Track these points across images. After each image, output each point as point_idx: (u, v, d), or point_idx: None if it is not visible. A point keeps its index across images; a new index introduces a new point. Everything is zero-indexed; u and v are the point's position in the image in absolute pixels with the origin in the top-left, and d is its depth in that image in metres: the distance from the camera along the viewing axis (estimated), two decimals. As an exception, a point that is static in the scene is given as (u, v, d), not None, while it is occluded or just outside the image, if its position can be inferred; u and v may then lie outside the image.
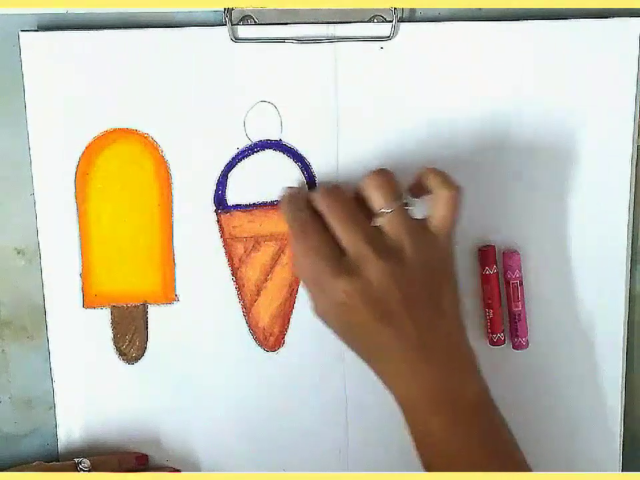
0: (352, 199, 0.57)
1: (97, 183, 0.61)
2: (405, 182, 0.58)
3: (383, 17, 0.60)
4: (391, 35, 0.60)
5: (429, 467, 0.55)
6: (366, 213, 0.56)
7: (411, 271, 0.54)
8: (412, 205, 0.57)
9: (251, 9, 0.60)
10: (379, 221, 0.56)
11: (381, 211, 0.55)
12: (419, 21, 0.61)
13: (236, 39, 0.60)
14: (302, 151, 0.62)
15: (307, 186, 0.62)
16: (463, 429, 0.53)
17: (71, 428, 0.64)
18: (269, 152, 0.62)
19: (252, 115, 0.61)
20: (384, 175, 0.56)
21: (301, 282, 0.62)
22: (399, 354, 0.54)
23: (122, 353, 0.63)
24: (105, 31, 0.59)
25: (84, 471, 0.60)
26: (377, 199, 0.56)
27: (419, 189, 0.58)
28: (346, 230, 0.55)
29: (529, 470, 0.56)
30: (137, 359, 0.63)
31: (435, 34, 0.61)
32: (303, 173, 0.62)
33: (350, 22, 0.60)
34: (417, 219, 0.56)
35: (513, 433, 0.57)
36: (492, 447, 0.54)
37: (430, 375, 0.54)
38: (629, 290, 0.66)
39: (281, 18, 0.60)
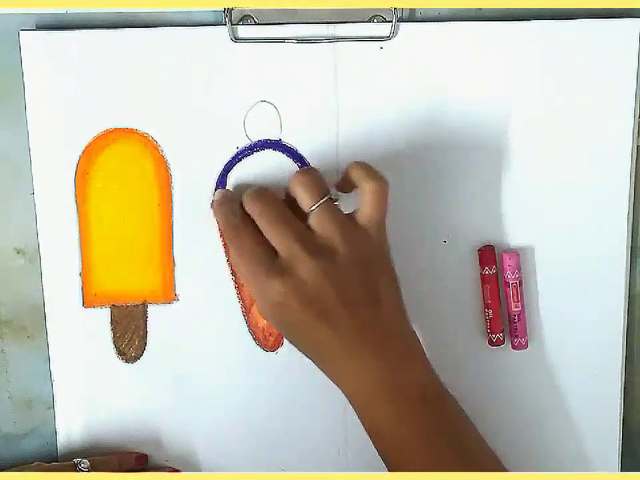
0: (281, 201, 0.57)
1: (96, 182, 0.61)
2: (407, 186, 0.58)
3: (382, 17, 0.60)
4: (391, 34, 0.60)
5: (385, 459, 0.55)
6: (298, 213, 0.57)
7: (343, 266, 0.55)
8: (337, 200, 0.57)
9: (251, 9, 0.60)
10: (309, 219, 0.56)
11: (310, 209, 0.56)
12: (418, 21, 0.61)
13: (236, 39, 0.60)
14: (302, 151, 0.62)
15: (239, 189, 0.61)
16: (410, 418, 0.54)
17: (70, 428, 0.64)
18: (268, 152, 0.62)
19: (252, 115, 0.61)
20: (308, 174, 0.57)
21: (243, 284, 0.62)
22: (339, 350, 0.54)
23: (121, 353, 0.63)
24: (105, 30, 0.59)
25: (83, 471, 0.60)
26: (303, 198, 0.56)
27: (347, 184, 0.58)
28: (276, 231, 0.55)
29: (489, 455, 0.56)
30: (136, 358, 0.63)
31: (435, 34, 0.61)
32: (303, 173, 0.62)
33: (350, 22, 0.60)
34: (346, 213, 0.57)
35: (512, 432, 0.57)
36: (444, 436, 0.54)
37: (372, 367, 0.54)
38: (629, 289, 0.66)
39: (281, 18, 0.60)
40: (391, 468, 0.55)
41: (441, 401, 0.56)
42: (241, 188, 0.61)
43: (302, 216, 0.57)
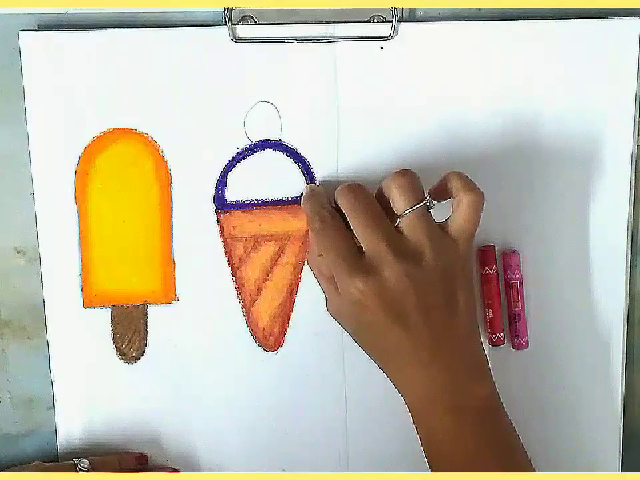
0: (373, 198, 0.57)
1: (97, 182, 0.61)
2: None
3: (382, 16, 0.60)
4: (391, 34, 0.60)
5: (435, 466, 0.55)
6: (388, 213, 0.56)
7: (428, 274, 0.54)
8: (432, 207, 0.56)
9: (251, 8, 0.60)
10: (399, 222, 0.56)
11: (403, 212, 0.55)
12: (418, 21, 0.61)
13: (236, 39, 0.60)
14: (302, 150, 0.62)
15: (329, 185, 0.61)
16: (470, 431, 0.54)
17: (70, 428, 0.64)
18: (268, 152, 0.62)
19: (252, 114, 0.61)
20: (407, 176, 0.56)
21: (317, 279, 0.62)
22: (410, 355, 0.54)
23: (122, 353, 0.63)
24: (105, 30, 0.59)
25: (83, 471, 0.60)
26: (398, 200, 0.55)
27: (441, 192, 0.57)
28: (366, 229, 0.55)
29: (531, 468, 0.56)
30: (136, 358, 0.63)
31: (434, 34, 0.61)
32: (303, 173, 0.62)
33: (350, 22, 0.60)
34: (437, 222, 0.56)
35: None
36: (498, 451, 0.54)
37: (438, 377, 0.54)
38: (629, 289, 0.66)
39: (281, 18, 0.60)
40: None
41: (498, 416, 0.56)
42: (330, 184, 0.61)
43: (391, 217, 0.56)
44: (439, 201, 0.58)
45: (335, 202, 0.58)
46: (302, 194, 0.61)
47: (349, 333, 0.57)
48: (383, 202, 0.57)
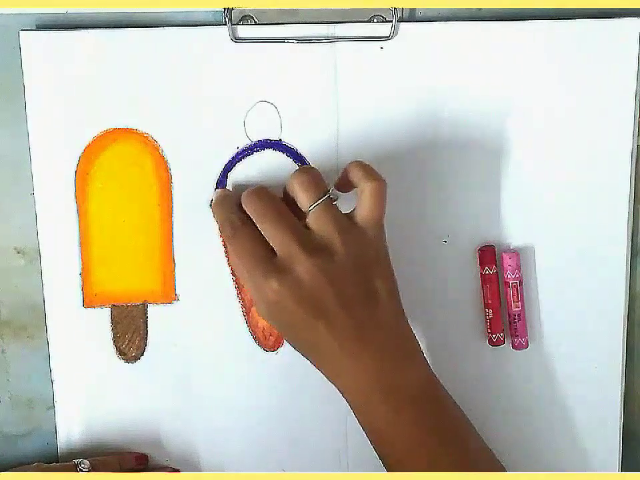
0: (279, 200, 0.57)
1: (97, 182, 0.61)
2: (407, 186, 0.58)
3: (382, 16, 0.60)
4: (391, 34, 0.60)
5: (383, 458, 0.56)
6: (296, 213, 0.57)
7: (341, 265, 0.55)
8: (336, 199, 0.57)
9: (251, 9, 0.60)
10: (307, 219, 0.56)
11: (308, 208, 0.56)
12: (418, 21, 0.61)
13: (236, 39, 0.60)
14: (302, 151, 0.62)
15: (238, 189, 0.61)
16: (406, 418, 0.54)
17: (70, 428, 0.64)
18: (268, 152, 0.62)
19: (252, 115, 0.61)
20: (308, 173, 0.56)
21: (242, 284, 0.62)
22: (336, 349, 0.54)
23: (122, 353, 0.63)
24: (105, 30, 0.59)
25: (83, 471, 0.60)
26: (302, 197, 0.56)
27: (345, 184, 0.58)
28: (274, 230, 0.55)
29: (487, 455, 0.56)
30: (136, 358, 0.63)
31: (434, 34, 0.61)
32: (303, 173, 0.62)
33: (350, 22, 0.60)
34: (344, 213, 0.57)
35: (513, 432, 0.57)
36: (440, 435, 0.54)
37: (369, 367, 0.54)
38: (629, 289, 0.66)
39: (281, 18, 0.60)
40: (389, 467, 0.56)
41: (438, 401, 0.56)
42: (240, 188, 0.61)
43: (300, 215, 0.57)
44: (344, 192, 0.58)
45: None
46: (212, 199, 0.61)
47: (281, 334, 0.58)
48: (289, 202, 0.57)
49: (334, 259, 0.55)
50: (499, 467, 0.56)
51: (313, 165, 0.60)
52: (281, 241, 0.55)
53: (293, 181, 0.56)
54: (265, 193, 0.57)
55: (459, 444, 0.55)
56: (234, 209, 0.58)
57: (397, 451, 0.55)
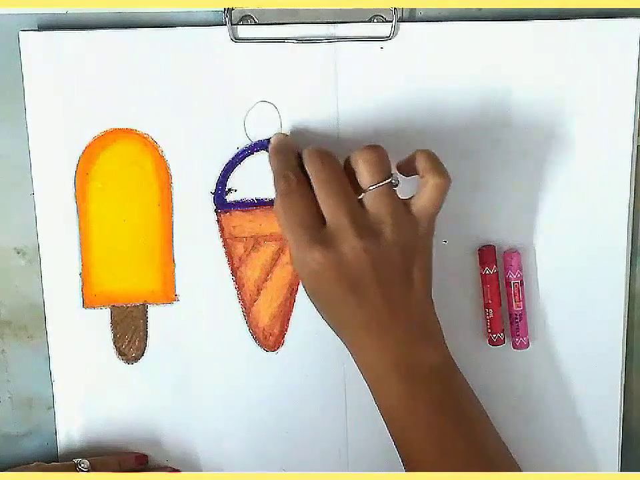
0: (341, 169, 0.57)
1: (97, 182, 0.61)
2: (407, 186, 0.58)
3: (382, 16, 0.60)
4: (391, 34, 0.60)
5: (395, 437, 0.56)
6: (353, 185, 0.56)
7: (386, 250, 0.55)
8: (397, 185, 0.57)
9: (251, 9, 0.60)
10: (363, 197, 0.56)
11: (368, 187, 0.55)
12: (418, 21, 0.61)
13: (236, 39, 0.60)
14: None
15: (298, 135, 0.61)
16: (421, 397, 0.54)
17: (70, 428, 0.64)
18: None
19: (252, 114, 0.61)
20: (376, 151, 0.56)
21: (282, 230, 0.60)
22: (364, 324, 0.55)
23: (122, 353, 0.63)
24: (105, 30, 0.59)
25: (83, 471, 0.60)
26: (365, 175, 0.56)
27: (408, 169, 0.58)
28: (330, 200, 0.55)
29: (496, 436, 0.56)
30: (136, 358, 0.63)
31: (434, 34, 0.61)
32: (303, 173, 0.62)
33: (350, 22, 0.60)
34: (401, 199, 0.56)
35: (513, 432, 0.57)
36: (453, 414, 0.55)
37: (391, 345, 0.55)
38: (629, 289, 0.66)
39: (281, 18, 0.60)
40: (400, 448, 0.56)
41: (454, 383, 0.56)
42: (299, 135, 0.61)
43: (356, 190, 0.56)
44: (406, 176, 0.58)
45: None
46: (269, 141, 0.61)
47: (308, 296, 0.57)
48: (349, 174, 0.57)
49: (380, 242, 0.54)
50: (509, 455, 0.56)
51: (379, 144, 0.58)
52: (334, 212, 0.55)
53: (359, 156, 0.56)
54: (329, 157, 0.56)
55: (471, 427, 0.55)
56: (292, 162, 0.57)
57: (408, 429, 0.55)
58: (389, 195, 0.55)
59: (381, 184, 0.55)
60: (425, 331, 0.56)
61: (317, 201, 0.55)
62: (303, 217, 0.55)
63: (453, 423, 0.54)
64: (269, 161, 0.60)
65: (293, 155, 0.58)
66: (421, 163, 0.56)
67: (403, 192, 0.57)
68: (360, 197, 0.56)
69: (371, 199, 0.55)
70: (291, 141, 0.60)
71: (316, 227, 0.55)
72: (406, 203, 0.56)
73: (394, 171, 0.57)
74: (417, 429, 0.54)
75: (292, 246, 0.56)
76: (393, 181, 0.56)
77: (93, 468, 0.61)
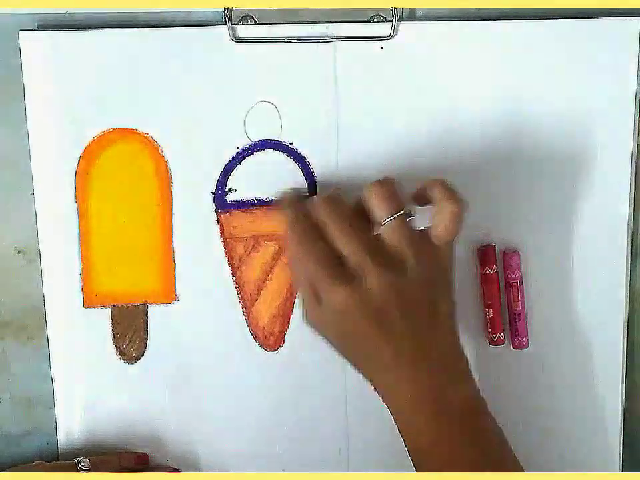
0: (351, 208, 0.57)
1: (97, 182, 0.61)
2: (407, 186, 0.58)
3: (383, 16, 0.60)
4: (391, 34, 0.60)
5: (418, 467, 0.55)
6: (367, 222, 0.56)
7: (411, 281, 0.54)
8: (414, 215, 0.56)
9: (251, 8, 0.60)
10: (380, 230, 0.56)
11: (384, 221, 0.55)
12: (419, 21, 0.61)
13: (236, 39, 0.60)
14: (302, 150, 0.62)
15: (307, 189, 0.61)
16: (451, 432, 0.54)
17: (70, 428, 0.64)
18: (268, 152, 0.62)
19: (252, 114, 0.61)
20: (386, 185, 0.56)
21: (296, 288, 0.61)
22: (392, 362, 0.54)
23: (122, 353, 0.63)
24: (105, 30, 0.59)
25: (84, 470, 0.60)
26: (378, 210, 0.55)
27: (422, 198, 0.57)
28: (346, 239, 0.55)
29: (520, 469, 0.56)
30: (137, 358, 0.63)
31: (435, 34, 0.61)
32: (303, 173, 0.62)
33: (350, 22, 0.60)
34: (418, 229, 0.56)
35: (513, 432, 0.56)
36: (481, 451, 0.54)
37: (421, 381, 0.54)
38: (629, 289, 0.66)
39: (281, 18, 0.60)
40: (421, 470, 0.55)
41: (481, 418, 0.55)
42: (308, 188, 0.62)
43: (368, 225, 0.56)
44: (419, 206, 0.57)
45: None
46: (279, 197, 0.61)
47: (329, 341, 0.57)
48: (362, 212, 0.56)
49: (405, 274, 0.54)
50: None
51: (389, 176, 0.57)
52: (352, 250, 0.54)
53: (371, 191, 0.56)
54: (339, 199, 0.56)
55: (496, 460, 0.54)
56: (303, 212, 0.57)
57: (435, 463, 0.54)
58: (405, 226, 0.55)
59: (395, 216, 0.55)
60: (453, 365, 0.55)
61: (332, 246, 0.55)
62: (320, 256, 0.54)
63: (481, 456, 0.54)
64: (281, 216, 0.59)
65: (303, 205, 0.58)
66: (435, 192, 0.56)
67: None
68: (377, 233, 0.56)
69: (388, 232, 0.55)
70: (299, 194, 0.60)
71: (336, 266, 0.54)
72: (423, 233, 0.56)
73: (407, 205, 0.56)
74: (446, 464, 0.53)
75: (307, 297, 0.55)
76: (407, 212, 0.56)
77: (93, 467, 0.61)
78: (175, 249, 0.62)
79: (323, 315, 0.55)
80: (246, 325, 0.64)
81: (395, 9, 0.60)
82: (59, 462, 0.63)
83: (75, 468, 0.61)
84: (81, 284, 0.62)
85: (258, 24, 0.60)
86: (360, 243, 0.54)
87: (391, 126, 0.62)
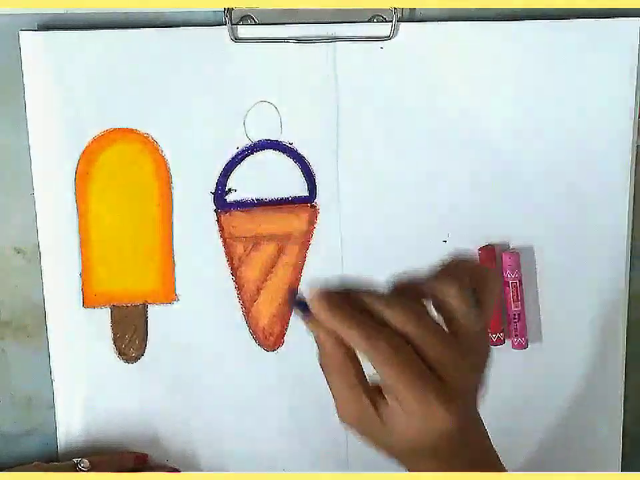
0: (425, 310, 0.48)
1: (97, 182, 0.61)
2: (407, 186, 0.57)
3: (382, 16, 0.60)
4: (391, 34, 0.60)
5: None
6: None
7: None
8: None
9: (251, 8, 0.60)
10: (455, 328, 0.48)
11: (463, 322, 0.47)
12: (418, 21, 0.61)
13: (236, 39, 0.60)
14: (302, 151, 0.62)
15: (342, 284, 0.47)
16: None
17: (70, 427, 0.64)
18: (268, 152, 0.62)
19: (252, 114, 0.61)
20: (465, 286, 0.47)
21: (338, 389, 0.50)
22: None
23: (122, 353, 0.63)
24: (105, 30, 0.59)
25: (83, 470, 0.60)
26: (460, 309, 0.47)
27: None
28: (444, 348, 0.46)
29: None
30: (136, 358, 0.63)
31: (434, 34, 0.61)
32: (303, 173, 0.62)
33: (350, 22, 0.60)
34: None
35: (512, 432, 0.56)
36: None
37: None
38: (629, 289, 0.66)
39: (281, 18, 0.60)
40: None
41: None
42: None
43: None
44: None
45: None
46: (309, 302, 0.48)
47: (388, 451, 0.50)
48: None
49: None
50: None
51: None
52: (453, 365, 0.46)
53: (453, 294, 0.47)
54: (420, 307, 0.47)
55: None
56: (362, 314, 0.46)
57: None
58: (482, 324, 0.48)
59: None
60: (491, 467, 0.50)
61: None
62: (422, 370, 0.45)
63: None
64: (325, 323, 0.48)
65: (355, 307, 0.47)
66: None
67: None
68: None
69: (465, 332, 0.47)
70: (340, 294, 0.47)
71: (435, 379, 0.46)
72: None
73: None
74: None
75: (409, 401, 0.46)
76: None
77: (92, 467, 0.61)
78: (174, 249, 0.62)
79: (426, 433, 0.47)
80: (246, 325, 0.64)
81: (394, 9, 0.60)
82: (57, 463, 0.63)
83: (74, 468, 0.61)
84: (81, 284, 0.62)
85: (258, 24, 0.60)
86: (459, 354, 0.46)
87: (391, 126, 0.62)
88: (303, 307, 0.48)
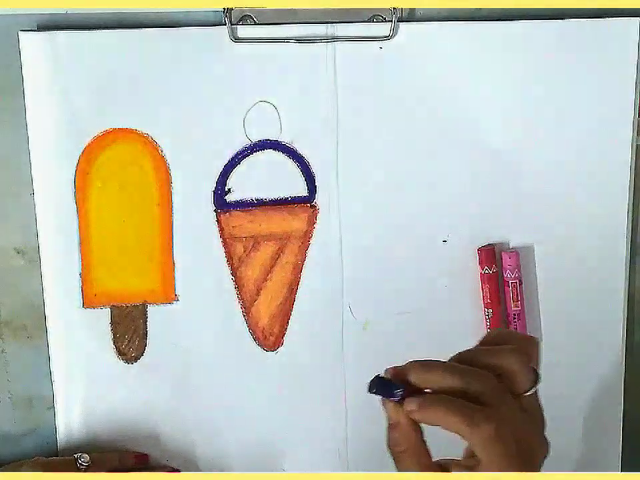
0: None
1: (97, 182, 0.61)
2: (407, 186, 0.57)
3: (382, 16, 0.60)
4: (391, 34, 0.60)
5: None
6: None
7: None
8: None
9: (251, 8, 0.60)
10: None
11: (529, 389, 0.50)
12: (418, 21, 0.61)
13: (236, 39, 0.60)
14: (302, 151, 0.62)
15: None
16: None
17: (70, 427, 0.64)
18: (268, 152, 0.62)
19: (252, 114, 0.61)
20: (529, 355, 0.50)
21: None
22: None
23: (121, 353, 0.63)
24: (105, 31, 0.59)
25: (83, 466, 0.60)
26: (525, 379, 0.50)
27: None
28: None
29: None
30: (136, 358, 0.63)
31: (434, 34, 0.61)
32: (303, 173, 0.62)
33: (350, 22, 0.60)
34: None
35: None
36: None
37: None
38: (629, 289, 0.66)
39: (281, 18, 0.60)
40: None
41: None
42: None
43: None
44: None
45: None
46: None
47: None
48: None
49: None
50: None
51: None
52: (536, 439, 0.51)
53: (516, 360, 0.49)
54: (505, 392, 0.49)
55: None
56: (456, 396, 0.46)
57: None
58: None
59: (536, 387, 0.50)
60: None
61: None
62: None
63: None
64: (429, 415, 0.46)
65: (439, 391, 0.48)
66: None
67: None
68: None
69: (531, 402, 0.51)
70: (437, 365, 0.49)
71: None
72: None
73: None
74: None
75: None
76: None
77: (92, 462, 0.61)
78: (174, 249, 0.62)
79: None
80: (246, 324, 0.64)
81: (394, 9, 0.60)
82: (57, 457, 0.63)
83: (74, 463, 0.61)
84: (81, 284, 0.62)
85: (257, 24, 0.60)
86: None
87: (391, 125, 0.62)
88: (386, 389, 0.46)
